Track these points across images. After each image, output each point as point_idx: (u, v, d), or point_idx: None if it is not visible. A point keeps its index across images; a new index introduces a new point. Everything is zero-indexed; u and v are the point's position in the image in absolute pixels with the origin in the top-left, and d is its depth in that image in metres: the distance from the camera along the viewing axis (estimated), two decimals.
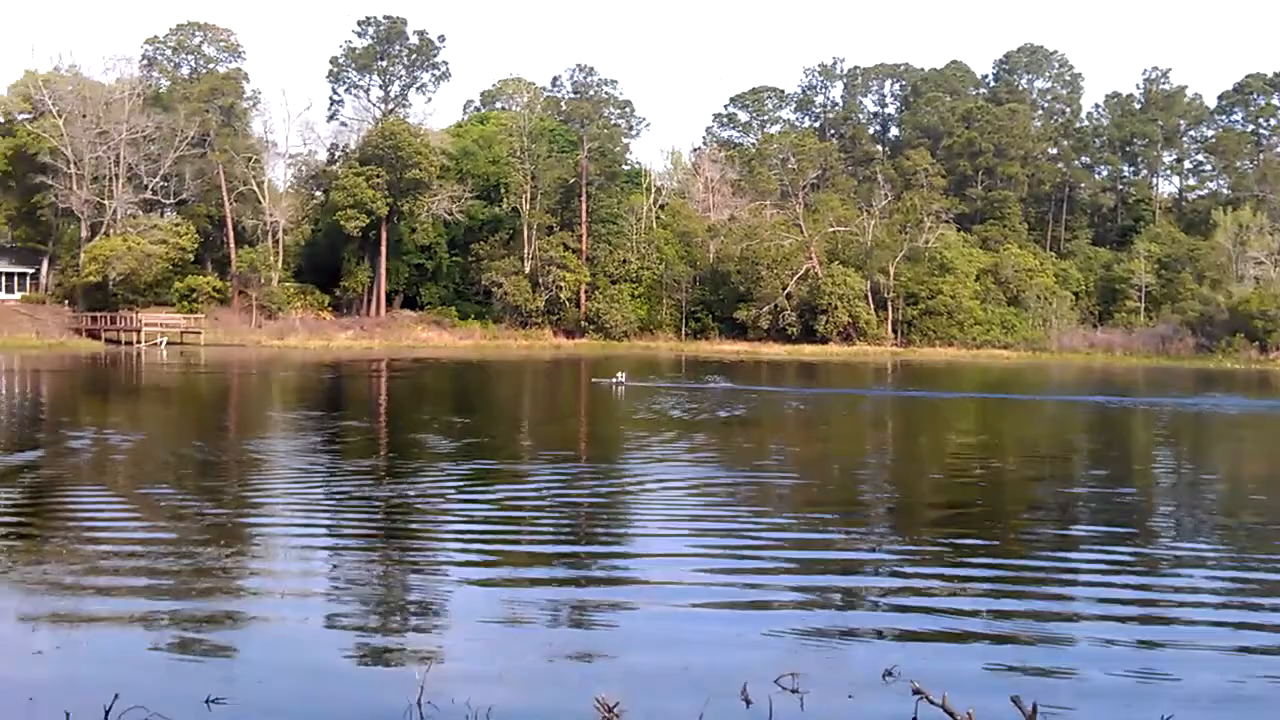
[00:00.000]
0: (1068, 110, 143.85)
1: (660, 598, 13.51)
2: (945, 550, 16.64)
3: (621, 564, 15.56)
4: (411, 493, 20.91)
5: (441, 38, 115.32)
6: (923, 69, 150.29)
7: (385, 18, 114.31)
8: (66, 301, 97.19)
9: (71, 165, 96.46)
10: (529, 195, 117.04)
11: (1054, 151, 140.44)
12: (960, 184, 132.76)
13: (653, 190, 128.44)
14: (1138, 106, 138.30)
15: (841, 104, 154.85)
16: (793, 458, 28.11)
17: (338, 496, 20.40)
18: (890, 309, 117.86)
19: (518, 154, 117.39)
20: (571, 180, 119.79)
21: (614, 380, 56.85)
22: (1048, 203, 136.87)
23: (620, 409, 43.90)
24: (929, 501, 22.39)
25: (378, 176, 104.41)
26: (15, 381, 56.12)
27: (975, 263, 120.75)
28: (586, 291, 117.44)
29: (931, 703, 9.04)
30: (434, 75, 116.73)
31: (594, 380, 60.64)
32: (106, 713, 8.88)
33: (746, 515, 19.20)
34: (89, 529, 17.08)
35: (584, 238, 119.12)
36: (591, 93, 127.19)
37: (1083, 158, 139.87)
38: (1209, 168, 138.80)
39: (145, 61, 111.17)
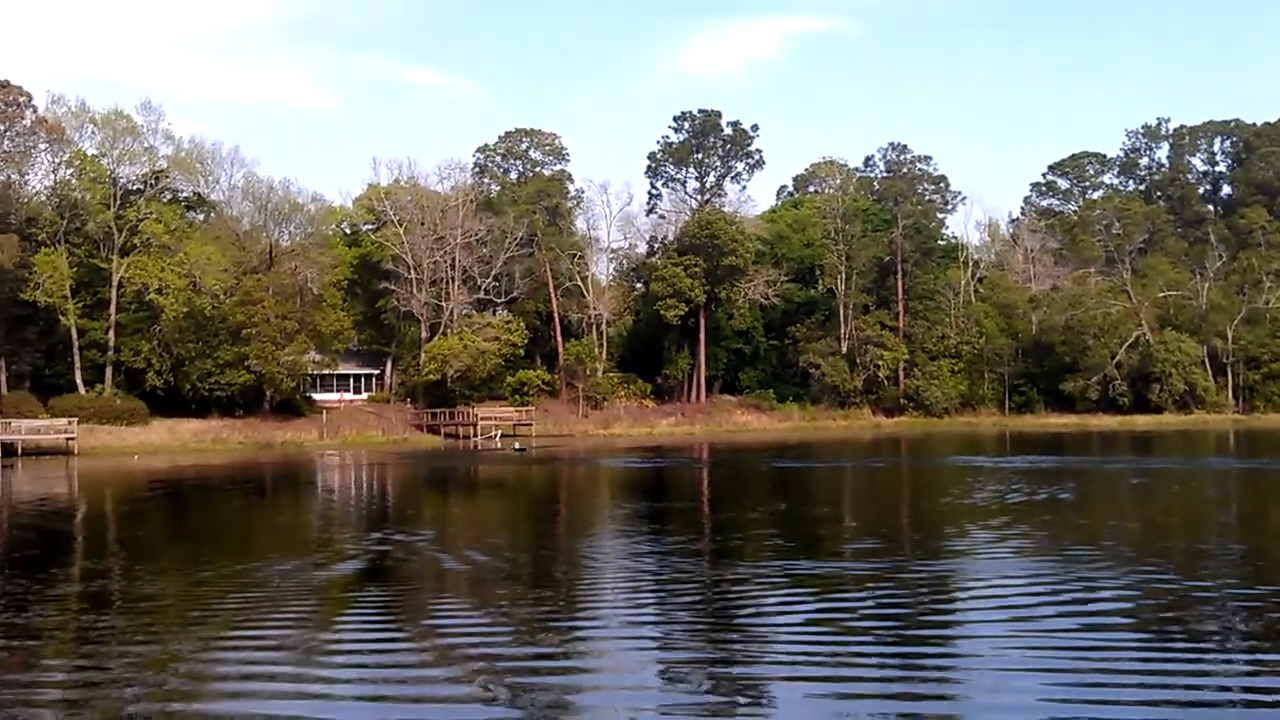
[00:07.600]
0: None
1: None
2: None
3: (952, 669, 15.43)
4: (737, 588, 21.35)
5: (755, 127, 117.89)
6: (1254, 124, 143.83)
7: (700, 112, 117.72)
8: (408, 399, 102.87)
9: (411, 270, 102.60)
10: (844, 275, 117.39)
11: None
12: None
13: (970, 264, 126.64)
14: None
15: (1168, 164, 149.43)
16: (1134, 542, 26.98)
17: (665, 591, 21.13)
18: (1230, 374, 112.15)
19: (832, 235, 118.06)
20: (887, 258, 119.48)
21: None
22: None
23: (942, 491, 43.26)
24: None
25: (695, 265, 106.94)
26: (365, 475, 60.06)
27: None
28: (905, 369, 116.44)
29: None
30: (748, 164, 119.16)
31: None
32: None
33: (1087, 610, 18.69)
34: (439, 626, 18.35)
35: (901, 315, 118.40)
36: (905, 170, 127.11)
37: None
38: None
39: (477, 169, 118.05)
